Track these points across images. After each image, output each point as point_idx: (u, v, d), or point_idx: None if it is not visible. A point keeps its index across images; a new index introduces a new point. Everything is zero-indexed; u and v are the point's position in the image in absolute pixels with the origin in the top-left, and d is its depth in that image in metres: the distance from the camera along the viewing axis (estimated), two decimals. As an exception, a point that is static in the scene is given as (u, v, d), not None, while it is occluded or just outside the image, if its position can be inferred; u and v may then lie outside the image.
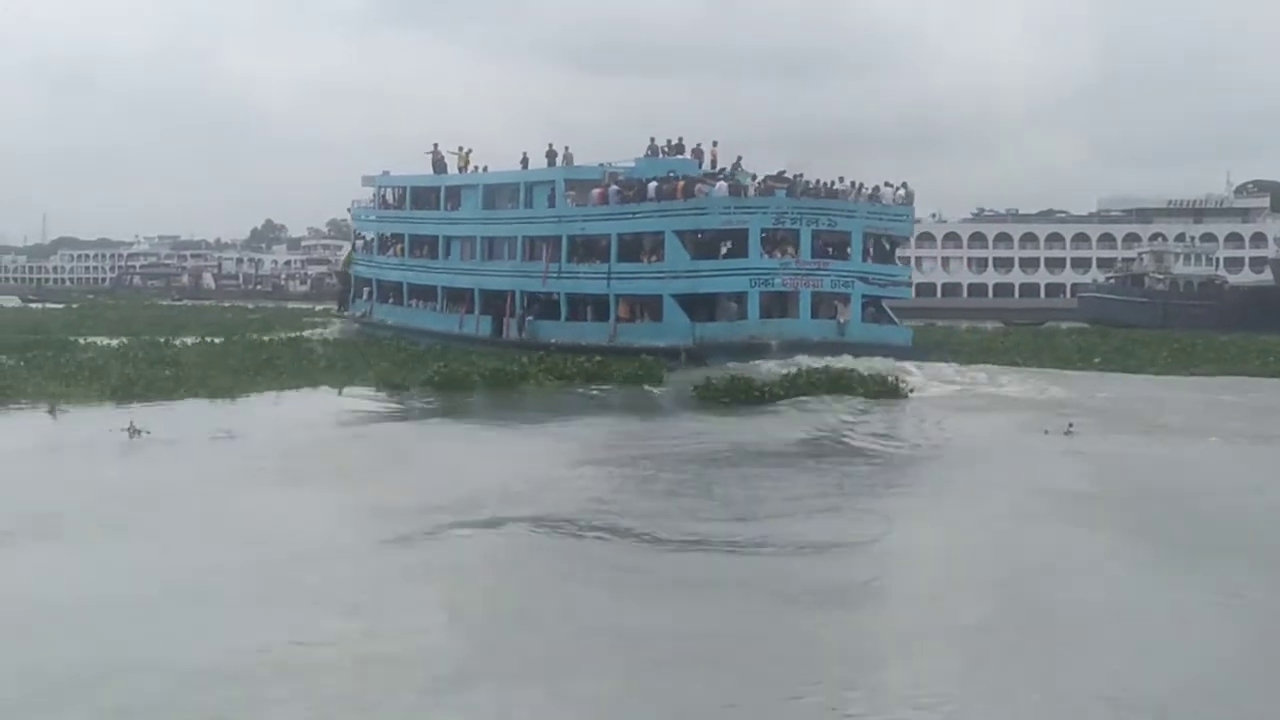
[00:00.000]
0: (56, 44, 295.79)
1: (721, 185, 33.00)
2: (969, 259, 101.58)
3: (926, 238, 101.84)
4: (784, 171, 34.70)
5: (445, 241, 40.10)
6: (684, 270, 32.90)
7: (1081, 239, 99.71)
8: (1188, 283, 74.14)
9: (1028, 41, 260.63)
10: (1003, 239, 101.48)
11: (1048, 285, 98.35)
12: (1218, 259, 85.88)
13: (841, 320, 33.13)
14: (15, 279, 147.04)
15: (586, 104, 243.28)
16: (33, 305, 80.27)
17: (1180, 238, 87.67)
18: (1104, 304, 75.09)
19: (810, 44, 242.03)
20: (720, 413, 23.72)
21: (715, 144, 37.19)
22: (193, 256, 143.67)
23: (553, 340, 34.03)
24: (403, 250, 42.00)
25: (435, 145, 41.00)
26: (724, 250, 33.22)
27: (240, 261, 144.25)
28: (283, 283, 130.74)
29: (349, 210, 46.65)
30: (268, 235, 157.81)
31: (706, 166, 36.49)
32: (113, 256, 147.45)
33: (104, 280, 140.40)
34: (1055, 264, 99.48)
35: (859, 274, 33.69)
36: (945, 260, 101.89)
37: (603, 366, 29.13)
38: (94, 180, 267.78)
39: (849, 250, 33.71)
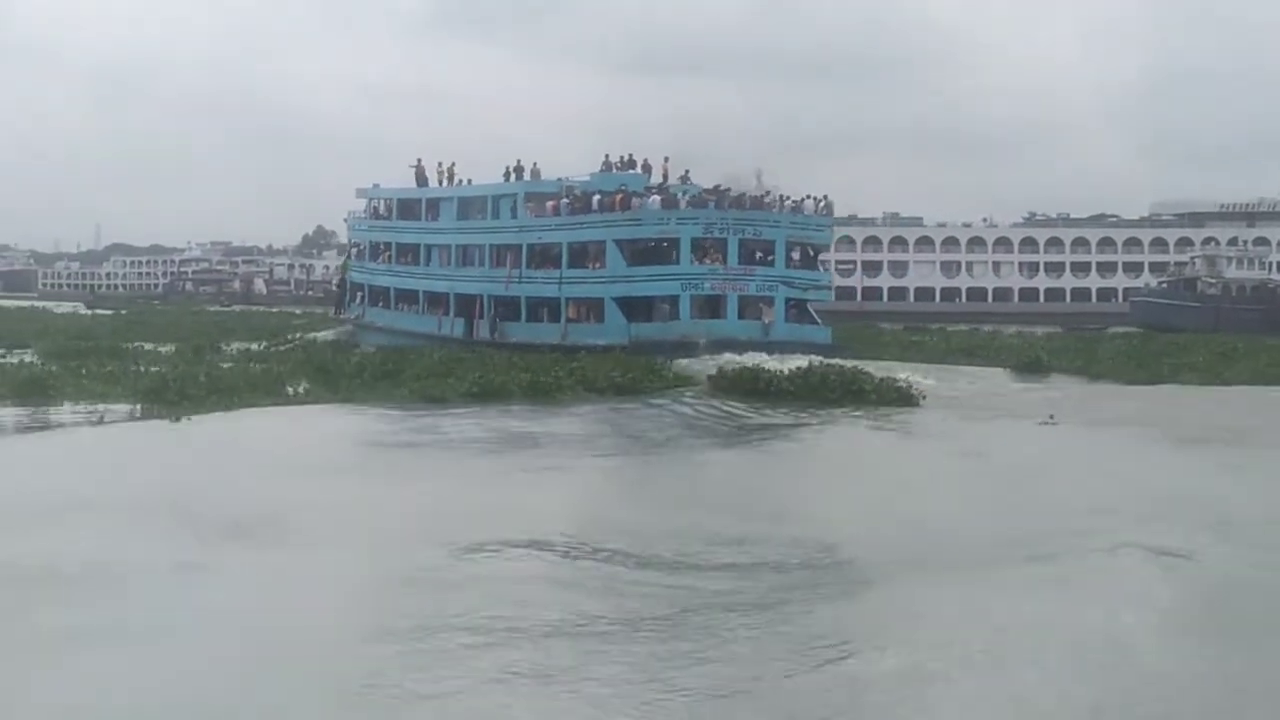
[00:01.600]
0: (110, 51, 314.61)
1: (655, 198, 39.33)
2: (1020, 264, 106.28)
3: (977, 242, 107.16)
4: (720, 185, 40.84)
5: (426, 249, 46.99)
6: (622, 275, 39.22)
7: (1133, 243, 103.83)
8: (1240, 287, 78.46)
9: (1080, 44, 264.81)
10: (1054, 243, 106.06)
11: (1099, 290, 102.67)
12: (1271, 263, 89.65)
13: (766, 321, 39.12)
14: (69, 285, 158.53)
15: (635, 105, 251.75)
16: (87, 312, 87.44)
17: (1233, 242, 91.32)
18: (1156, 308, 79.21)
19: (860, 45, 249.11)
20: (760, 433, 25.38)
21: (666, 159, 43.64)
22: (244, 262, 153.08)
23: (514, 339, 40.56)
24: (390, 257, 49.03)
25: (419, 160, 48.03)
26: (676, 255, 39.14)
27: (292, 267, 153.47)
28: (334, 288, 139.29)
29: (345, 220, 53.98)
30: (319, 241, 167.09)
31: (658, 179, 42.85)
32: (165, 262, 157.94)
33: (157, 286, 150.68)
34: (1107, 268, 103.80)
35: (782, 279, 39.70)
36: (996, 265, 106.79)
37: (634, 380, 31.64)
38: (147, 187, 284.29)
39: (773, 257, 39.72)
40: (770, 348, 36.83)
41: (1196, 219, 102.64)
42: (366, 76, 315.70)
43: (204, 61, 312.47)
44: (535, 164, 44.72)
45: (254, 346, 43.74)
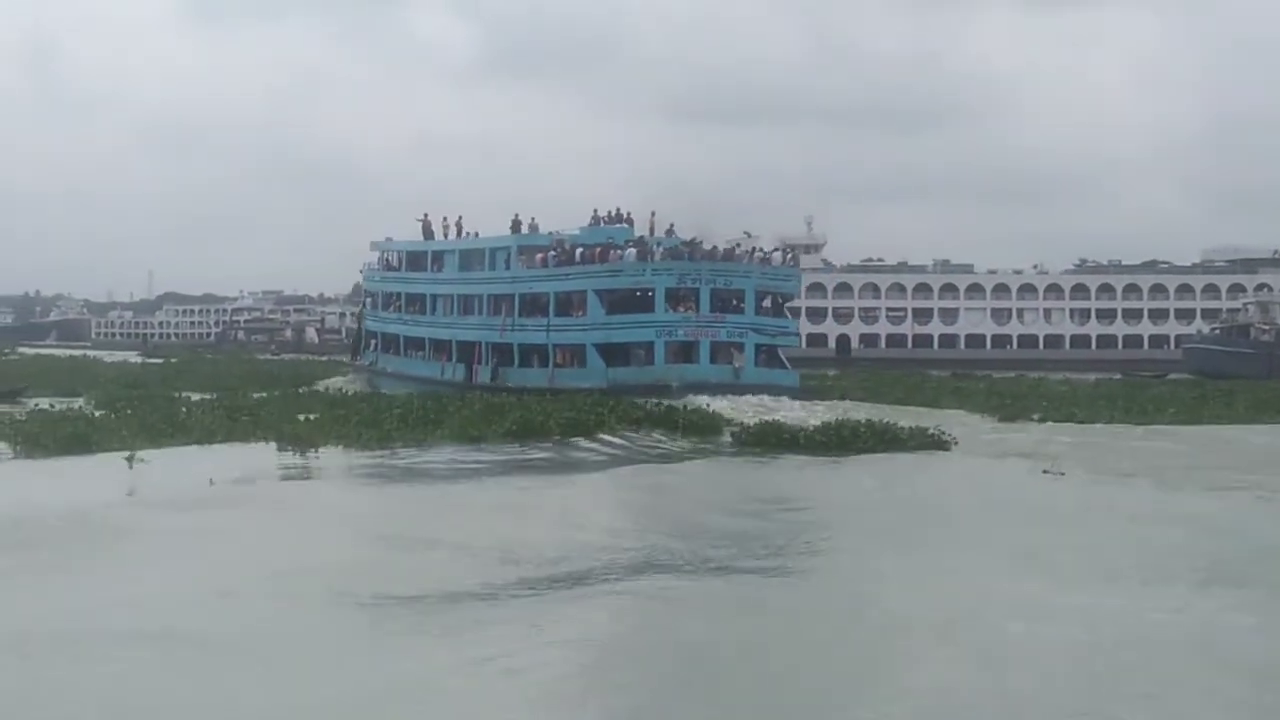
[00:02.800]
0: (163, 102, 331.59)
1: (631, 251, 44.77)
2: (1072, 310, 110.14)
3: (1029, 289, 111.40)
4: (696, 238, 46.21)
5: (431, 299, 52.88)
6: (601, 323, 44.66)
7: (1185, 290, 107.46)
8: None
9: (1131, 90, 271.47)
10: (1106, 290, 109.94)
11: (1152, 337, 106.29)
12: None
13: (737, 365, 44.21)
14: (123, 334, 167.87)
15: (686, 153, 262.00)
16: (137, 360, 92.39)
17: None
18: (1209, 355, 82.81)
19: (911, 92, 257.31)
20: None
21: (653, 214, 49.02)
22: (295, 311, 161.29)
23: (509, 384, 46.06)
24: (400, 307, 55.02)
25: (425, 215, 54.11)
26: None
27: (343, 316, 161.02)
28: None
29: (361, 272, 60.15)
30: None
31: (645, 233, 48.29)
32: (217, 311, 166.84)
33: (209, 335, 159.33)
34: (1159, 315, 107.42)
35: (752, 326, 44.85)
36: (1048, 312, 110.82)
37: (668, 414, 34.38)
38: (200, 236, 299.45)
39: (743, 305, 44.93)
40: (740, 390, 41.93)
41: (1249, 265, 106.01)
42: (418, 126, 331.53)
43: (256, 112, 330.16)
44: (534, 218, 50.45)
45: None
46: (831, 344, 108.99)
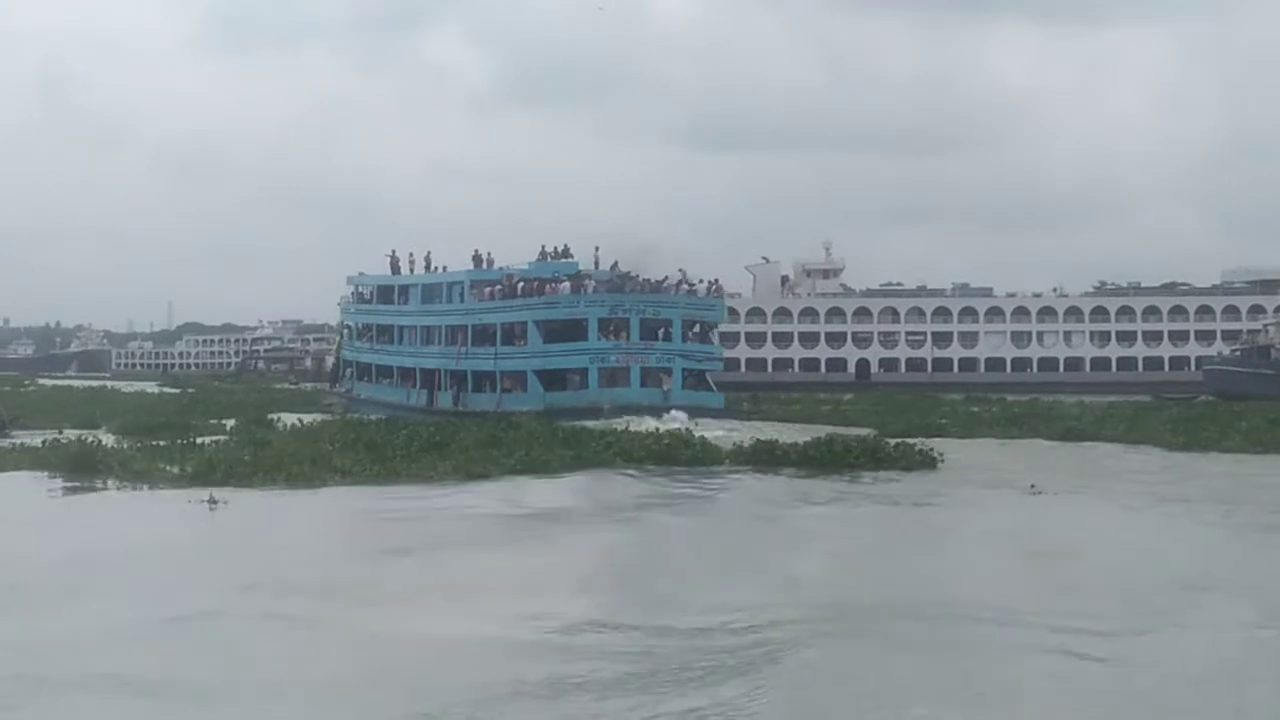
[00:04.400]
0: (182, 131, 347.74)
1: (565, 285, 52.82)
2: (1091, 333, 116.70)
3: (1048, 312, 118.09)
4: (630, 272, 54.18)
5: (398, 330, 61.29)
6: (540, 351, 52.66)
7: (1205, 311, 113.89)
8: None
9: (1148, 112, 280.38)
10: (1125, 312, 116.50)
11: (1172, 358, 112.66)
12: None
13: (666, 389, 51.92)
14: (143, 364, 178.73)
15: (704, 179, 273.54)
16: (154, 390, 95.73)
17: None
18: (1230, 376, 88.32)
19: (929, 116, 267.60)
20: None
21: (597, 248, 56.98)
22: (315, 340, 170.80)
23: (462, 407, 54.11)
24: (372, 337, 63.48)
25: (393, 250, 62.63)
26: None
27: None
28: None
29: (338, 304, 68.81)
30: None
31: (590, 266, 56.26)
32: (237, 341, 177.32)
33: (229, 365, 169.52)
34: (1179, 337, 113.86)
35: (680, 352, 52.65)
36: (1068, 335, 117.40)
37: (670, 449, 35.69)
38: (219, 266, 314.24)
39: (671, 333, 52.76)
40: (669, 411, 49.63)
41: (1269, 286, 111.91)
42: (435, 153, 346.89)
43: (275, 141, 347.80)
44: (489, 253, 58.61)
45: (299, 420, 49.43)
46: (851, 368, 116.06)
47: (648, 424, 44.80)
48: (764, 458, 34.28)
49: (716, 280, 54.99)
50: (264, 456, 31.95)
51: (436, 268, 61.87)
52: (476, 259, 58.66)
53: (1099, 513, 25.71)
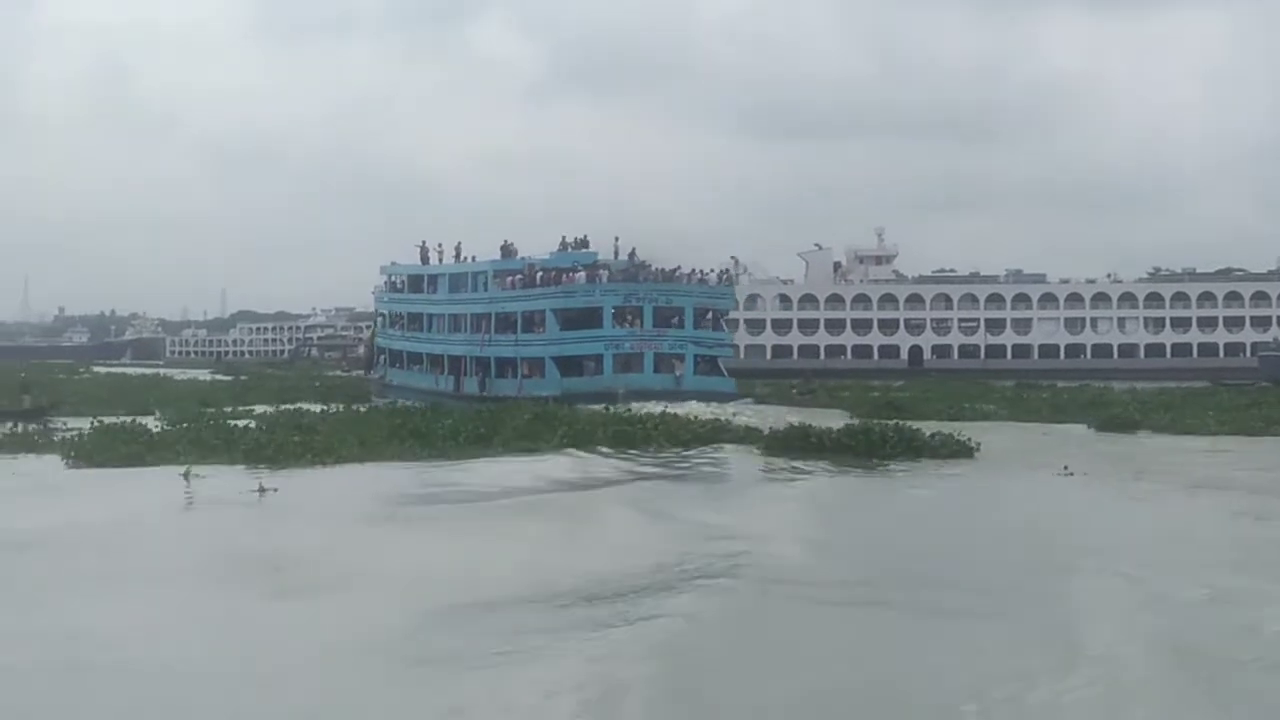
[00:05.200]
0: (235, 122, 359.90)
1: (581, 274, 57.27)
2: (1146, 319, 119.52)
3: (1102, 298, 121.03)
4: (645, 261, 58.58)
5: (428, 318, 66.09)
6: (557, 338, 57.19)
7: (1261, 297, 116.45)
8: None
9: (1202, 97, 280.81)
10: (1180, 298, 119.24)
11: (1227, 345, 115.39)
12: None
13: (678, 374, 56.27)
14: (197, 352, 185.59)
15: (757, 166, 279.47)
16: (206, 378, 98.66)
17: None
18: None
19: (981, 103, 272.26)
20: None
21: (617, 238, 61.37)
22: (367, 327, 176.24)
23: (487, 393, 58.73)
24: (403, 325, 68.37)
25: (423, 241, 67.43)
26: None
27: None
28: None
29: (372, 293, 73.80)
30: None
31: (609, 256, 60.68)
32: (290, 329, 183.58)
33: (282, 352, 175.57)
34: (1234, 323, 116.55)
35: (691, 339, 56.96)
36: (1121, 321, 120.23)
37: (714, 432, 38.44)
38: (272, 254, 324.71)
39: (683, 321, 57.06)
40: (682, 396, 53.79)
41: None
42: (487, 143, 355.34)
43: (327, 130, 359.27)
44: (513, 243, 63.21)
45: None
46: (904, 355, 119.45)
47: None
48: (797, 444, 35.06)
49: (727, 270, 59.25)
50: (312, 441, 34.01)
51: (466, 258, 66.54)
52: (504, 249, 63.30)
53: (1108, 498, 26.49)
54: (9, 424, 42.93)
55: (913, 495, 27.32)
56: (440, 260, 66.76)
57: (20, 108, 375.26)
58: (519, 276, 59.72)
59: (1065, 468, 29.34)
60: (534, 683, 12.03)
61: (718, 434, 38.43)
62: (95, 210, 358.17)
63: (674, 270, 58.54)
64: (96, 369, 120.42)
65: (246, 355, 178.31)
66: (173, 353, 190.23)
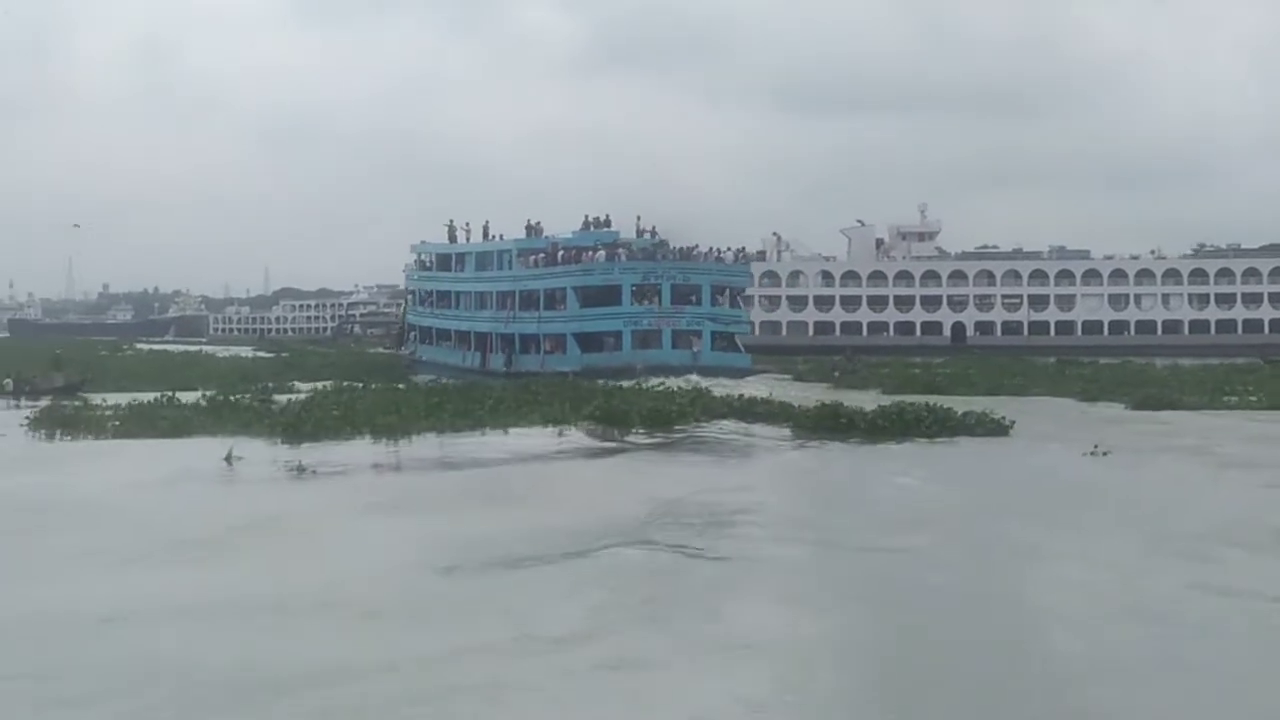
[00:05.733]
0: (277, 99, 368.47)
1: (600, 253, 60.38)
2: (1190, 295, 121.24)
3: (1146, 275, 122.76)
4: (665, 240, 61.63)
5: (455, 296, 69.47)
6: (578, 315, 60.32)
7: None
8: None
9: (1247, 69, 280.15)
10: (1225, 274, 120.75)
11: (1272, 321, 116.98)
12: None
13: (695, 350, 59.20)
14: (240, 330, 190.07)
15: (800, 141, 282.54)
16: (248, 355, 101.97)
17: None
18: None
19: (1026, 77, 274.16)
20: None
21: (639, 217, 64.51)
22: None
23: (512, 368, 62.02)
24: (432, 302, 71.79)
25: (450, 221, 70.81)
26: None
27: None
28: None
29: (403, 271, 77.32)
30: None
31: (633, 234, 63.75)
32: (333, 306, 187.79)
33: (325, 330, 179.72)
34: (1279, 298, 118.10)
35: (708, 316, 59.92)
36: (1165, 298, 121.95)
37: (749, 406, 39.93)
38: (315, 231, 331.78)
39: (700, 298, 60.06)
40: (699, 371, 56.75)
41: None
42: (530, 119, 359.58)
43: (369, 107, 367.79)
44: (539, 222, 66.54)
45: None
46: (946, 332, 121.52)
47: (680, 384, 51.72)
48: (828, 423, 36.07)
49: (743, 248, 62.04)
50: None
51: (495, 236, 69.90)
52: (529, 228, 66.54)
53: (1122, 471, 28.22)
54: (44, 399, 45.55)
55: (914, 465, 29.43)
56: (468, 239, 70.08)
57: (65, 87, 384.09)
58: (542, 255, 62.87)
59: (1096, 446, 30.04)
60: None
61: (751, 409, 39.68)
62: (139, 188, 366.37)
63: (692, 249, 61.53)
64: (140, 346, 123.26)
65: (289, 333, 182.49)
66: (216, 330, 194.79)
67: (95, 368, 64.01)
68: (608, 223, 64.25)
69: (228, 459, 28.01)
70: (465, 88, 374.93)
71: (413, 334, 75.60)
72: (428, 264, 74.33)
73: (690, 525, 20.42)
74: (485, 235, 70.09)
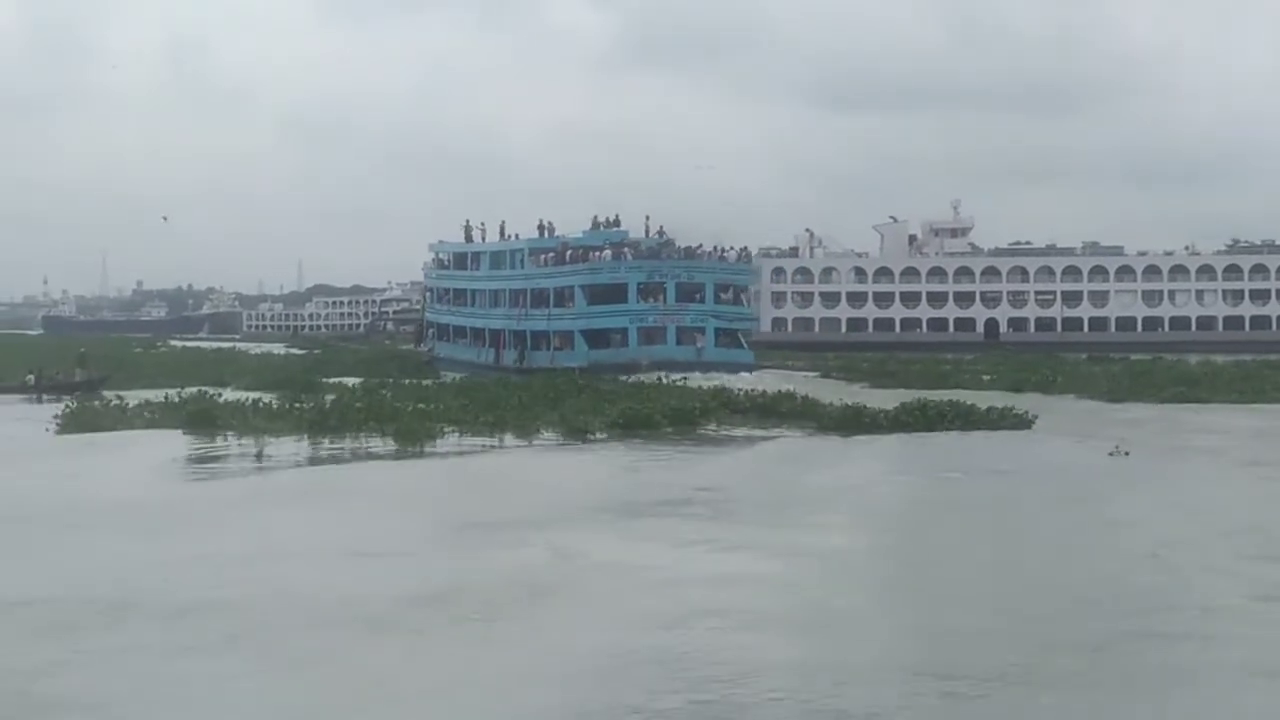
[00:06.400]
0: (306, 95, 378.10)
1: (607, 253, 64.39)
2: (1224, 291, 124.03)
3: (1180, 271, 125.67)
4: (671, 239, 65.60)
5: (471, 294, 73.71)
6: (585, 313, 64.33)
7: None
8: None
9: None
10: (1259, 270, 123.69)
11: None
12: None
13: (699, 346, 63.11)
14: (273, 326, 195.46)
15: (830, 138, 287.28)
16: (280, 351, 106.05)
17: None
18: None
19: (1058, 73, 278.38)
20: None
21: (648, 217, 68.48)
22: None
23: (524, 364, 66.11)
24: (450, 300, 76.06)
25: (467, 220, 75.00)
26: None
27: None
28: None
29: (422, 269, 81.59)
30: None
31: (640, 234, 67.76)
32: (366, 303, 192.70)
33: (358, 326, 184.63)
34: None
35: (712, 313, 63.76)
36: (1200, 293, 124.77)
37: (774, 403, 41.33)
38: (346, 228, 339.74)
39: (704, 296, 63.97)
40: (703, 367, 60.55)
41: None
42: (559, 116, 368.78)
43: (399, 103, 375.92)
44: (551, 222, 70.61)
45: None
46: (979, 329, 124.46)
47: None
48: (851, 423, 37.25)
49: (745, 248, 65.90)
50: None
51: (510, 236, 74.07)
52: (540, 228, 70.65)
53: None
54: (66, 396, 47.39)
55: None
56: (483, 238, 74.29)
57: (98, 85, 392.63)
58: (551, 254, 66.92)
59: (1118, 447, 30.41)
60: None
61: (775, 407, 41.26)
62: (172, 185, 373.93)
63: (696, 248, 65.40)
64: (173, 343, 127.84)
65: (323, 329, 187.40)
66: (249, 327, 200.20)
67: (128, 365, 67.67)
68: (617, 222, 68.19)
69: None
70: (495, 84, 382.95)
71: (431, 331, 79.90)
72: (445, 263, 78.77)
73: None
74: (501, 235, 74.23)
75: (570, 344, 64.73)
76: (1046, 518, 22.33)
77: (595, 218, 68.70)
